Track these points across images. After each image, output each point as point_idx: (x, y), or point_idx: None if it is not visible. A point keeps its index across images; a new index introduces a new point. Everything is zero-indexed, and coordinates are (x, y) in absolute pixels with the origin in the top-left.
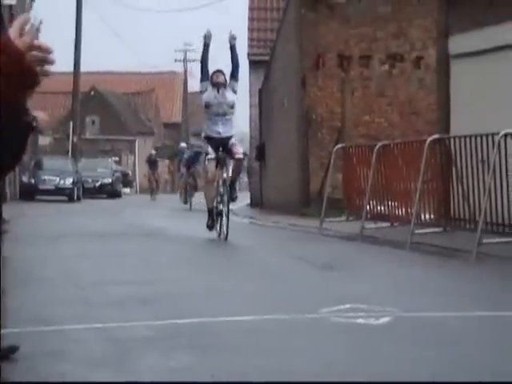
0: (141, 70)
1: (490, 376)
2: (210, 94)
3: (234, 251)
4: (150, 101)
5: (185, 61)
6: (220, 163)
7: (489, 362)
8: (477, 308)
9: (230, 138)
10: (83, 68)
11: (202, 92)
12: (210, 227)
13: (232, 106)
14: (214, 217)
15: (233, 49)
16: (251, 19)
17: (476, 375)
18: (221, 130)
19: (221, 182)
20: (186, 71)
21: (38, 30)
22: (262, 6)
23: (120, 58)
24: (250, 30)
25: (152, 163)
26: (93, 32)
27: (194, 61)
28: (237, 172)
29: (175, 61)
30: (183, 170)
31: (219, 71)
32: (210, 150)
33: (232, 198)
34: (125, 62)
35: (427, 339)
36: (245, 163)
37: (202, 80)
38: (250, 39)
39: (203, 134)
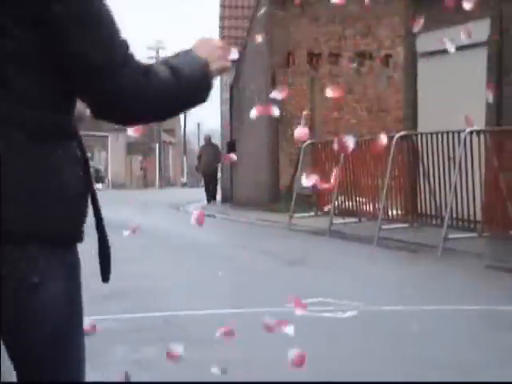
0: None
1: (452, 368)
2: None
3: (202, 246)
4: None
5: (157, 58)
6: None
7: (450, 355)
8: (440, 302)
9: None
10: None
11: None
12: None
13: None
14: None
15: None
16: (222, 17)
17: (438, 367)
18: None
19: None
20: None
21: None
22: (233, 4)
23: None
24: (222, 27)
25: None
26: None
27: None
28: None
29: (148, 58)
30: None
31: None
32: None
33: None
34: None
35: (391, 332)
36: None
37: None
38: (222, 37)
39: None
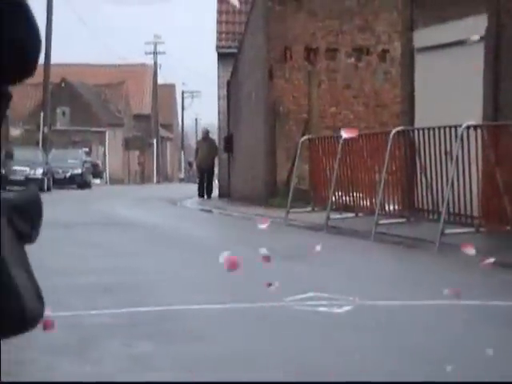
0: (111, 62)
1: (449, 363)
2: None
3: (198, 241)
4: (120, 92)
5: (155, 53)
6: None
7: (447, 349)
8: (436, 297)
9: None
10: (54, 59)
11: None
12: None
13: None
14: None
15: None
16: (220, 12)
17: (435, 362)
18: None
19: None
20: (155, 63)
21: None
22: None
23: (91, 49)
24: (219, 22)
25: None
26: (63, 23)
27: (164, 53)
28: None
29: (145, 53)
30: None
31: None
32: None
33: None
34: (96, 54)
35: (387, 327)
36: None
37: None
38: (219, 32)
39: None
